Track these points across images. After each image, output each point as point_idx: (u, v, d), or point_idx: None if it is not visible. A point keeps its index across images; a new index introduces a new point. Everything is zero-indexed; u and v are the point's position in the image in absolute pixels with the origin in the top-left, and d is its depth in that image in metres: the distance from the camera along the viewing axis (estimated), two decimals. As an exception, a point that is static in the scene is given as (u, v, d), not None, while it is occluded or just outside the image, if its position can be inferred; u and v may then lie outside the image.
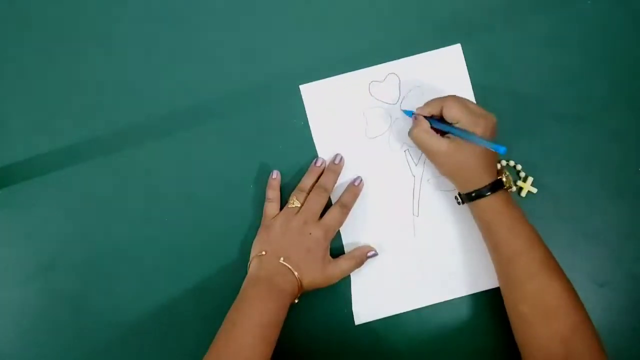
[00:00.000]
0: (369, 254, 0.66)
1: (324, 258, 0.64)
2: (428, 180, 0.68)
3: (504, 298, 0.62)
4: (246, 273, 0.64)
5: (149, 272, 0.67)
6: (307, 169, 0.68)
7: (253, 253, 0.64)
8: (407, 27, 0.70)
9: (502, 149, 0.58)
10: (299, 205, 0.65)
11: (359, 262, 0.66)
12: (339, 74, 0.69)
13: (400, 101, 0.69)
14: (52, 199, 0.68)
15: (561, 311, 0.58)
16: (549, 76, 0.69)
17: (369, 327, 0.67)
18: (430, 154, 0.64)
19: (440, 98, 0.63)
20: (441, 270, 0.67)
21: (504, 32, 0.70)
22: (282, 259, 0.62)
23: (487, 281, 0.67)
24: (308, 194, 0.66)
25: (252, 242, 0.65)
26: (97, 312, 0.67)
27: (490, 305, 0.66)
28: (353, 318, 0.66)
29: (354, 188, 0.67)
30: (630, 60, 0.70)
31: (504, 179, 0.63)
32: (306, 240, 0.63)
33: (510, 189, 0.65)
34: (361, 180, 0.68)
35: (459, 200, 0.65)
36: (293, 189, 0.67)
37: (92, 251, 0.67)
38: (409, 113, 0.67)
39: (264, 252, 0.63)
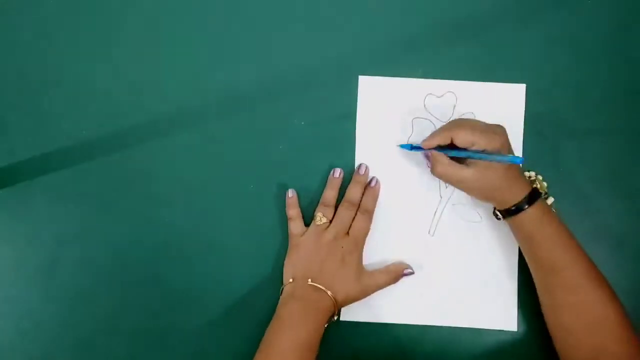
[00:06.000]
0: (405, 271, 0.65)
1: (358, 268, 0.63)
2: (454, 204, 0.67)
3: (544, 307, 0.61)
4: (246, 270, 0.65)
5: (149, 272, 0.67)
6: (309, 168, 0.67)
7: (285, 275, 0.64)
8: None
9: (518, 159, 0.56)
10: (326, 222, 0.64)
11: (395, 278, 0.64)
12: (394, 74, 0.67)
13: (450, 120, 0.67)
14: (52, 199, 0.67)
15: (607, 323, 0.57)
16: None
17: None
18: (459, 185, 0.62)
19: (444, 127, 0.61)
20: (441, 294, 0.66)
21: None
22: (310, 280, 0.61)
23: (487, 321, 0.66)
24: (334, 207, 0.65)
25: (283, 262, 0.65)
26: (96, 313, 0.67)
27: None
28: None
29: (372, 190, 0.66)
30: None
31: (537, 186, 0.61)
32: (339, 254, 0.62)
33: (547, 196, 0.62)
34: (377, 180, 0.66)
35: (499, 216, 0.63)
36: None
37: (92, 251, 0.67)
38: (407, 147, 0.65)
39: (291, 280, 0.62)
